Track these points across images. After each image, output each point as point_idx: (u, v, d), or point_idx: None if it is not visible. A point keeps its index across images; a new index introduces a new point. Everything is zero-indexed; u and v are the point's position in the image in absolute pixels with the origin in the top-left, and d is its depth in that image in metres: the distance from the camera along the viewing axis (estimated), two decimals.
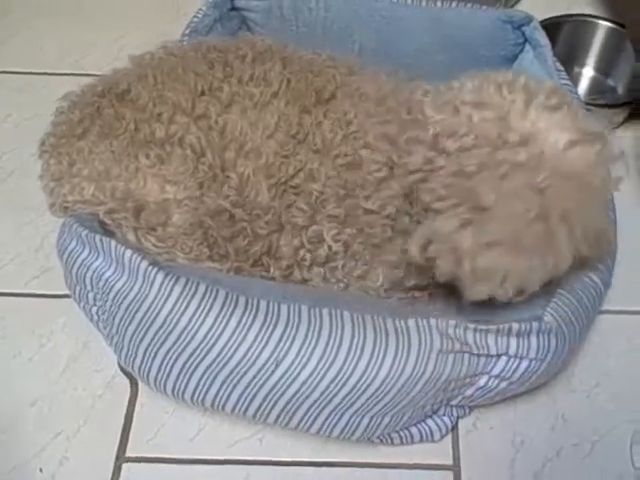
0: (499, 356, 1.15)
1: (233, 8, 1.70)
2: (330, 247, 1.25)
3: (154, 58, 1.33)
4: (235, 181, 1.23)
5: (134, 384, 1.34)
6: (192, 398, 1.13)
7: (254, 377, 1.09)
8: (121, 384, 1.34)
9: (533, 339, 1.13)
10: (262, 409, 1.12)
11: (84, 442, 1.28)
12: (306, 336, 1.09)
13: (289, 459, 1.26)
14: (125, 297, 1.12)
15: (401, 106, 1.23)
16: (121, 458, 1.26)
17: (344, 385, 1.08)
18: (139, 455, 1.26)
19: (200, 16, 1.62)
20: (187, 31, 1.59)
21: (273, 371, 1.08)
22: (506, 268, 1.06)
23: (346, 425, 1.14)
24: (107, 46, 1.99)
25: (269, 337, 1.08)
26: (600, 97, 1.83)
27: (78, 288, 1.20)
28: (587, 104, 1.69)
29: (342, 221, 1.23)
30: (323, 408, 1.11)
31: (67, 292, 1.24)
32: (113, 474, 1.24)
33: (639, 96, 1.69)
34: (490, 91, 1.13)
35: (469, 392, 1.19)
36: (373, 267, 1.27)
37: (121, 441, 1.27)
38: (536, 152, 1.06)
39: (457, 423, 1.30)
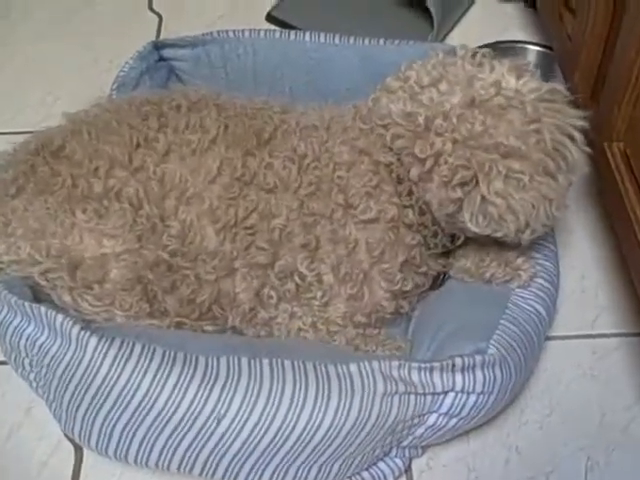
0: (446, 393, 1.14)
1: (161, 59, 1.70)
2: (304, 278, 1.24)
3: (88, 114, 1.32)
4: (176, 229, 1.22)
5: (79, 449, 1.31)
6: (135, 460, 1.11)
7: (197, 435, 1.07)
8: (66, 449, 1.31)
9: (478, 373, 1.13)
10: (207, 467, 1.10)
11: None
12: (247, 389, 1.07)
13: None
14: (60, 363, 1.09)
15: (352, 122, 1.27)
16: None
17: (289, 437, 1.07)
18: None
19: (127, 69, 1.60)
20: (114, 85, 1.57)
21: (216, 427, 1.06)
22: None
23: (295, 477, 1.13)
24: (39, 102, 1.97)
25: (209, 393, 1.06)
26: None
27: (14, 355, 1.17)
28: None
29: (314, 248, 1.23)
30: (269, 462, 1.10)
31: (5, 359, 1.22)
32: None
33: None
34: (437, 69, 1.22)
35: (419, 432, 1.18)
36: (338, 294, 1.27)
37: None
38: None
39: (410, 464, 1.29)
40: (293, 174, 1.23)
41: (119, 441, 1.09)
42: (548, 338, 1.44)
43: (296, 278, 1.24)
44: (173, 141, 1.25)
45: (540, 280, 1.30)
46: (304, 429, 1.07)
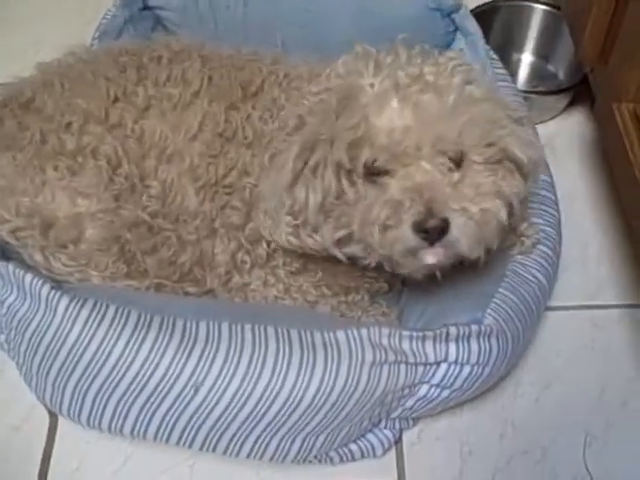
0: (438, 364, 1.09)
1: (145, 7, 1.62)
2: (269, 244, 1.18)
3: (61, 65, 1.25)
4: (156, 189, 1.16)
5: (53, 414, 1.26)
6: (109, 428, 1.06)
7: (173, 403, 1.02)
8: (40, 415, 1.27)
9: (473, 343, 1.07)
10: (185, 436, 1.05)
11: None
12: (227, 355, 1.02)
13: None
14: (28, 325, 1.04)
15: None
16: None
17: (271, 406, 1.02)
18: None
19: (109, 17, 1.54)
20: (96, 34, 1.51)
21: (193, 395, 1.01)
22: None
23: (277, 448, 1.08)
24: (21, 53, 1.87)
25: (187, 359, 1.01)
26: (541, 84, 1.78)
27: None
28: (528, 92, 1.65)
29: None
30: (250, 432, 1.05)
31: None
32: None
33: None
34: None
35: (409, 403, 1.13)
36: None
37: (40, 476, 1.20)
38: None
39: (401, 436, 1.24)
40: (269, 127, 1.17)
41: (92, 408, 1.04)
42: (547, 308, 1.38)
43: (263, 244, 1.19)
44: (153, 95, 1.19)
45: (542, 247, 1.24)
46: (287, 399, 1.02)
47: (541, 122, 1.71)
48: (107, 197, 1.13)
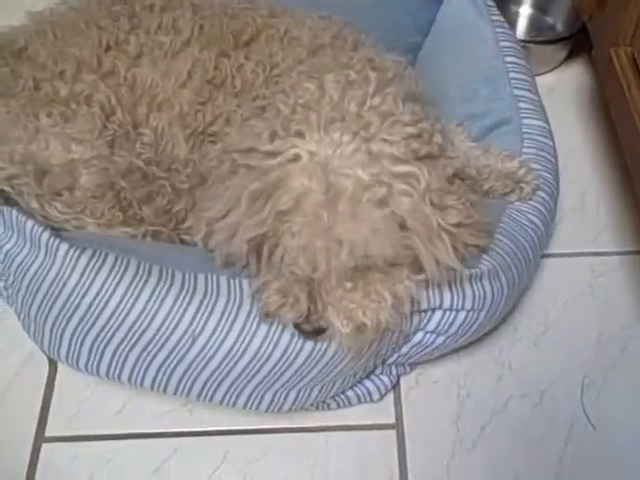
0: (433, 311, 1.08)
1: None
2: None
3: (54, 13, 1.24)
4: (149, 137, 1.16)
5: (53, 361, 1.27)
6: (107, 374, 1.07)
7: (170, 352, 1.02)
8: (39, 361, 1.27)
9: (467, 289, 1.07)
10: (182, 386, 1.06)
11: (1, 424, 1.21)
12: (225, 308, 1.02)
13: (221, 428, 1.21)
14: (27, 271, 1.04)
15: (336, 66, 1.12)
16: (40, 438, 1.20)
17: (267, 360, 1.02)
18: (60, 434, 1.21)
19: None
20: None
21: (190, 346, 1.02)
22: None
23: (273, 400, 1.09)
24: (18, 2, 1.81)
25: (185, 310, 1.01)
26: (539, 35, 1.76)
27: None
28: (526, 42, 1.64)
29: None
30: (246, 384, 1.06)
31: None
32: (32, 456, 1.18)
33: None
34: None
35: (405, 350, 1.13)
36: None
37: (40, 420, 1.22)
38: None
39: (398, 381, 1.25)
40: (259, 81, 1.15)
41: (89, 354, 1.05)
42: (546, 255, 1.39)
43: None
44: (145, 43, 1.18)
45: (539, 192, 1.24)
46: (283, 354, 1.02)
47: (540, 74, 1.69)
48: (101, 144, 1.12)
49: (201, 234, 0.99)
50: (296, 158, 0.89)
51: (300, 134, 0.91)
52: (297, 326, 0.96)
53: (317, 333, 0.96)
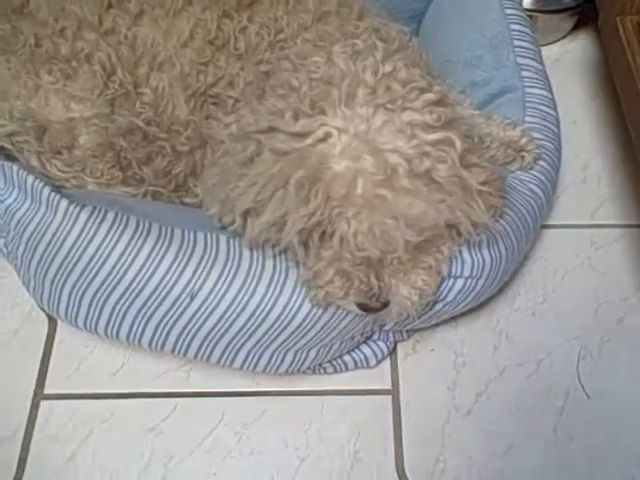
0: None
1: None
2: None
3: None
4: (149, 97, 1.15)
5: (52, 319, 1.28)
6: (105, 332, 1.07)
7: (169, 310, 1.03)
8: (38, 319, 1.28)
9: (466, 256, 1.07)
10: (180, 344, 1.07)
11: None
12: (224, 266, 1.02)
13: (218, 390, 1.22)
14: (27, 226, 1.04)
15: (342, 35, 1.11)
16: (39, 395, 1.21)
17: (264, 320, 1.03)
18: (58, 392, 1.21)
19: None
20: None
21: (189, 303, 1.02)
22: None
23: (270, 360, 1.10)
24: None
25: (184, 268, 1.02)
26: (546, 4, 1.74)
27: None
28: (532, 10, 1.62)
29: None
30: (243, 344, 1.06)
31: None
32: (30, 412, 1.19)
33: None
34: None
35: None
36: None
37: (39, 378, 1.22)
38: None
39: (395, 347, 1.25)
40: (263, 45, 1.14)
41: (88, 310, 1.05)
42: (546, 227, 1.39)
43: None
44: (146, 1, 1.16)
45: (541, 162, 1.23)
46: (280, 314, 1.02)
47: (546, 44, 1.68)
48: (101, 102, 1.12)
49: (235, 224, 0.97)
50: (326, 137, 0.87)
51: (324, 111, 0.89)
52: (362, 305, 0.96)
53: (383, 307, 0.96)
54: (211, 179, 1.02)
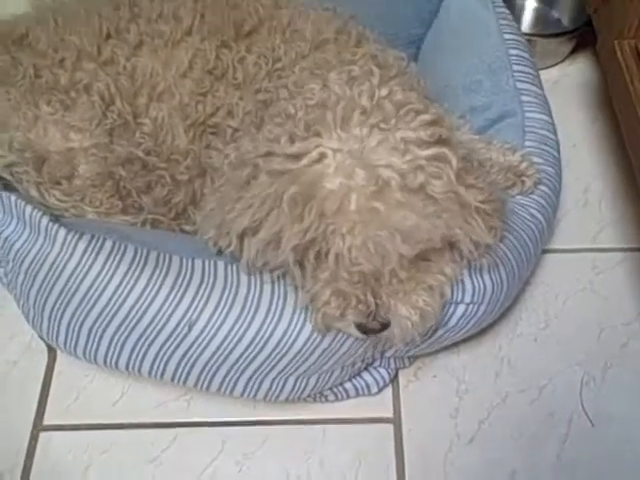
0: None
1: None
2: None
3: (55, 1, 1.24)
4: (148, 127, 1.16)
5: (52, 349, 1.27)
6: (105, 361, 1.07)
7: (167, 339, 1.02)
8: (38, 350, 1.27)
9: (467, 282, 1.06)
10: (179, 372, 1.06)
11: None
12: (222, 294, 1.02)
13: (219, 419, 1.21)
14: (26, 256, 1.04)
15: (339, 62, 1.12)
16: (38, 426, 1.20)
17: (263, 347, 1.02)
18: (58, 423, 1.21)
19: None
20: None
21: (187, 332, 1.02)
22: None
23: (270, 387, 1.09)
24: None
25: (182, 296, 1.01)
26: (545, 29, 1.76)
27: None
28: (532, 35, 1.63)
29: None
30: (243, 371, 1.05)
31: None
32: (30, 444, 1.18)
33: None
34: None
35: (388, 343, 1.11)
36: None
37: (38, 409, 1.22)
38: None
39: (397, 374, 1.25)
40: (261, 74, 1.15)
41: (87, 340, 1.05)
42: (547, 251, 1.39)
43: None
44: (145, 32, 1.18)
45: (541, 186, 1.23)
46: (280, 341, 1.02)
47: (545, 68, 1.69)
48: (100, 132, 1.13)
49: (231, 247, 0.97)
50: (321, 157, 0.88)
51: (319, 133, 0.90)
52: (361, 326, 0.94)
53: (383, 328, 0.95)
54: (209, 205, 1.03)
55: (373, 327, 0.94)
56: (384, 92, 0.95)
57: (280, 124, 0.96)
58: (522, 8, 1.82)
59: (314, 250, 0.90)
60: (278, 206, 0.89)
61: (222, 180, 1.02)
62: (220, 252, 1.01)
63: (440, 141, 0.91)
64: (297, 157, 0.89)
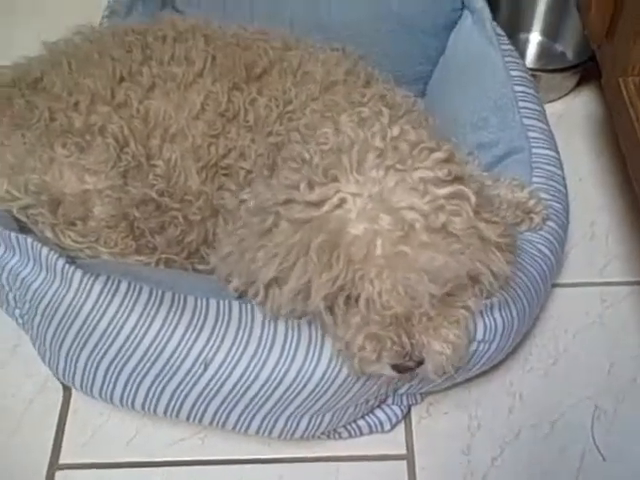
0: None
1: None
2: None
3: (68, 45, 1.26)
4: (162, 168, 1.17)
5: (67, 388, 1.28)
6: (121, 401, 1.07)
7: (183, 378, 1.03)
8: (53, 388, 1.28)
9: (479, 320, 1.07)
10: (195, 411, 1.07)
11: (14, 452, 1.22)
12: (237, 334, 1.03)
13: (234, 457, 1.21)
14: (43, 298, 1.05)
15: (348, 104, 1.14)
16: (54, 466, 1.20)
17: (278, 386, 1.03)
18: (73, 462, 1.21)
19: None
20: (106, 12, 1.51)
21: (203, 372, 1.02)
22: None
23: (285, 425, 1.09)
24: (28, 38, 1.85)
25: (197, 336, 1.02)
26: (549, 63, 1.78)
27: None
28: (536, 70, 1.65)
29: None
30: (259, 409, 1.06)
31: None
32: None
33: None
34: None
35: (416, 380, 1.13)
36: None
37: (54, 448, 1.22)
38: None
39: (409, 411, 1.25)
40: (272, 117, 1.16)
41: (104, 381, 1.06)
42: (555, 285, 1.39)
43: None
44: (158, 74, 1.19)
45: (549, 222, 1.24)
46: (294, 379, 1.03)
47: (549, 101, 1.70)
48: (114, 174, 1.14)
49: (259, 297, 0.98)
50: (342, 202, 0.89)
51: (336, 178, 0.90)
52: (396, 366, 0.95)
53: (418, 366, 0.95)
54: (226, 248, 1.03)
55: (409, 366, 0.95)
56: (396, 131, 0.96)
57: (296, 170, 0.97)
58: (526, 42, 1.84)
59: (343, 296, 0.91)
60: (305, 255, 0.89)
61: (239, 223, 1.03)
62: (240, 297, 1.03)
63: (456, 178, 0.92)
64: (318, 204, 0.89)
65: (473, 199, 0.91)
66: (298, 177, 0.94)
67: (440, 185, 0.90)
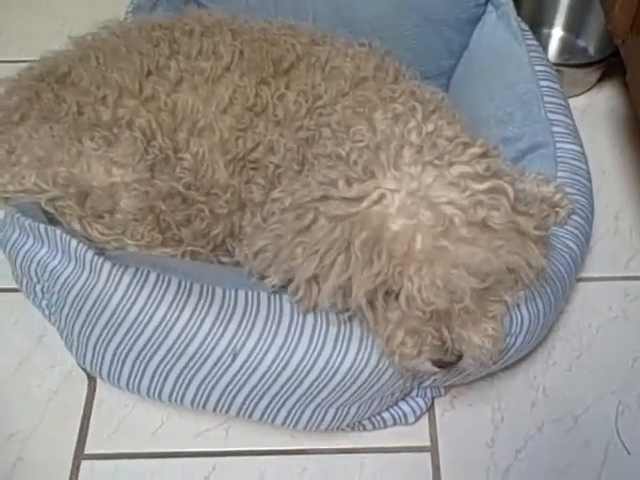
0: None
1: None
2: None
3: (96, 39, 1.27)
4: (189, 162, 1.18)
5: (92, 378, 1.29)
6: (148, 392, 1.08)
7: (211, 369, 1.04)
8: (78, 379, 1.29)
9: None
10: (222, 402, 1.07)
11: (40, 442, 1.23)
12: (265, 325, 1.03)
13: (257, 448, 1.22)
14: (71, 289, 1.06)
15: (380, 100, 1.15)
16: (80, 456, 1.21)
17: (306, 377, 1.03)
18: (99, 452, 1.22)
19: None
20: (130, 8, 1.51)
21: (231, 363, 1.03)
22: None
23: (311, 417, 1.10)
24: (52, 33, 1.87)
25: (225, 327, 1.03)
26: (571, 58, 1.78)
27: (25, 281, 1.14)
28: (559, 65, 1.64)
29: None
30: (285, 401, 1.07)
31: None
32: (72, 473, 1.19)
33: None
34: None
35: (454, 372, 1.12)
36: None
37: (79, 438, 1.23)
38: None
39: (433, 403, 1.25)
40: (301, 112, 1.17)
41: (131, 372, 1.06)
42: (579, 279, 1.39)
43: None
44: (185, 68, 1.20)
45: (574, 216, 1.24)
46: (322, 370, 1.03)
47: (572, 96, 1.69)
48: (142, 167, 1.15)
49: (299, 294, 0.99)
50: (381, 198, 0.89)
51: (374, 174, 0.91)
52: (437, 361, 0.96)
53: (458, 360, 0.96)
54: (259, 242, 1.03)
55: (449, 360, 0.95)
56: (431, 127, 0.96)
57: (333, 167, 0.97)
58: (549, 37, 1.84)
59: (382, 291, 0.91)
60: (346, 251, 0.90)
61: (273, 219, 1.03)
62: (275, 292, 1.05)
63: (494, 172, 0.93)
64: (357, 200, 0.90)
65: (512, 193, 0.92)
66: (335, 174, 0.95)
67: (478, 180, 0.90)
